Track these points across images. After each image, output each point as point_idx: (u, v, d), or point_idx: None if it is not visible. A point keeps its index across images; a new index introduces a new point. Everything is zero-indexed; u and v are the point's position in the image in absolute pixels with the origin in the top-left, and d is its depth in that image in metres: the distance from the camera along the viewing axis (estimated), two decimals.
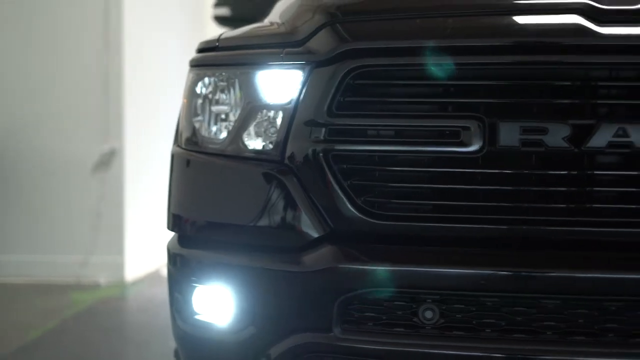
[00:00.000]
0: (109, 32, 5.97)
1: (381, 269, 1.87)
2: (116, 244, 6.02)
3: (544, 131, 1.81)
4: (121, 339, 4.51)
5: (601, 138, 1.80)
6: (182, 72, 3.01)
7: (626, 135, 1.79)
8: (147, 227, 6.33)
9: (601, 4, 1.83)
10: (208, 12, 3.94)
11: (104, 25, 5.98)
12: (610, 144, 1.80)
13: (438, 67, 1.85)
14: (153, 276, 6.22)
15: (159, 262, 6.42)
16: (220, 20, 3.77)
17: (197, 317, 2.13)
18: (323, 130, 1.92)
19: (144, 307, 5.22)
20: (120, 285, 5.91)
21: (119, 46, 5.98)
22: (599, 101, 1.81)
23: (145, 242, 6.30)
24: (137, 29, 6.20)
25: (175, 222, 2.24)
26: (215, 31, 2.61)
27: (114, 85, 5.98)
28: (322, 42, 1.95)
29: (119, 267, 6.02)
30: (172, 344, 2.36)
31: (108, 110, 5.99)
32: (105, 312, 5.06)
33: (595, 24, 1.81)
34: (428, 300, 1.86)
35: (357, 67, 1.89)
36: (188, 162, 2.21)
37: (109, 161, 6.03)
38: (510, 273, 1.82)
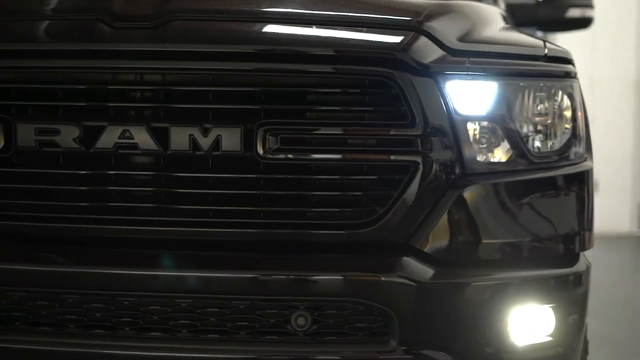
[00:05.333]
0: None
1: None
2: None
3: (57, 132, 1.88)
4: None
5: (109, 139, 1.88)
6: None
7: (131, 137, 1.87)
8: None
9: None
10: None
11: None
12: (118, 146, 1.88)
13: None
14: None
15: None
16: None
17: None
18: None
19: None
20: None
21: None
22: (107, 104, 1.89)
23: None
24: None
25: None
26: None
27: None
28: None
29: None
30: None
31: None
32: None
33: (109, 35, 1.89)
34: None
35: None
36: None
37: None
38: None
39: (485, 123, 1.99)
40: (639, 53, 8.24)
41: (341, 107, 1.91)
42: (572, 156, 2.13)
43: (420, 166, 1.91)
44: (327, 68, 1.90)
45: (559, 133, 2.10)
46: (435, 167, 1.91)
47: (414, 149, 1.90)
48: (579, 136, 2.14)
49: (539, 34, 3.86)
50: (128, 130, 1.87)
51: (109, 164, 1.90)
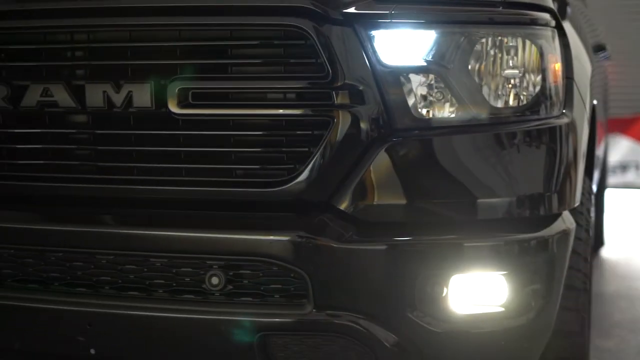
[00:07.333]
0: None
1: None
2: None
3: None
4: None
5: (31, 98, 1.91)
6: None
7: (51, 94, 1.89)
8: None
9: None
10: None
11: None
12: (40, 104, 1.91)
13: None
14: None
15: None
16: None
17: None
18: None
19: None
20: None
21: None
22: (34, 63, 1.92)
23: None
24: None
25: None
26: None
27: None
28: None
29: None
30: None
31: None
32: None
33: None
34: None
35: None
36: None
37: None
38: None
39: (420, 75, 1.83)
40: None
41: (258, 61, 1.83)
42: (541, 112, 1.93)
43: (340, 121, 1.80)
44: (241, 20, 1.82)
45: (519, 88, 1.91)
46: (357, 122, 1.79)
47: (331, 103, 1.79)
48: (550, 92, 1.94)
49: None
50: (48, 89, 1.89)
51: (37, 122, 1.94)
